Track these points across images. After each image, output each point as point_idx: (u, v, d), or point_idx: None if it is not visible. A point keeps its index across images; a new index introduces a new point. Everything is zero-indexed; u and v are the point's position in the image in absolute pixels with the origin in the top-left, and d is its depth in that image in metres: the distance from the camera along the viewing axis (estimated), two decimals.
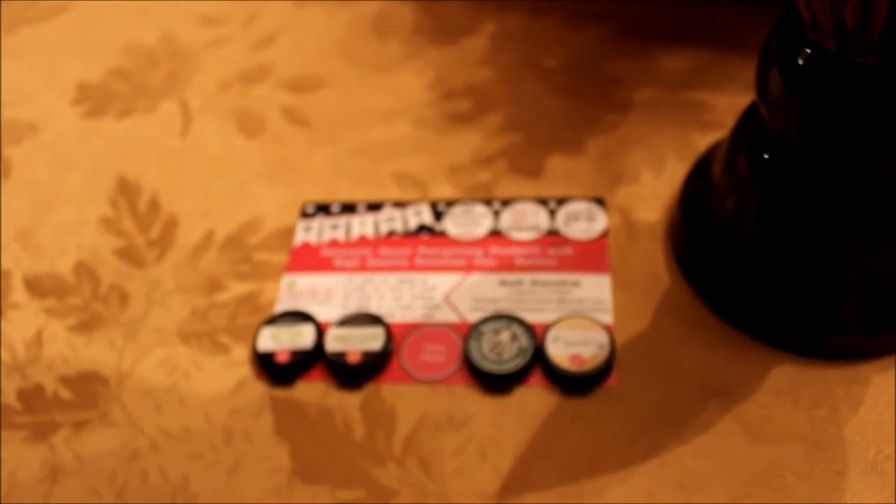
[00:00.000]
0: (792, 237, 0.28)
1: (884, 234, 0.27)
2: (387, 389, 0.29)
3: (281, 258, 0.34)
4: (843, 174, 0.26)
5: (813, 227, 0.27)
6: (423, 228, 0.34)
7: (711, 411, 0.28)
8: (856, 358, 0.29)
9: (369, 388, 0.30)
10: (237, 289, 0.33)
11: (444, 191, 0.36)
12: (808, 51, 0.25)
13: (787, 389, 0.28)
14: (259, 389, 0.30)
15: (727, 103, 0.37)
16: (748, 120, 0.30)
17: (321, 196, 0.36)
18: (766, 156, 0.28)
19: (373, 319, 0.31)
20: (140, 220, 0.36)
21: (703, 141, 0.36)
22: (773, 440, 0.27)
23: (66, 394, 0.31)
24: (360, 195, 0.36)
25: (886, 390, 0.28)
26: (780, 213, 0.28)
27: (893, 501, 0.26)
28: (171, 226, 0.36)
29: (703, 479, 0.26)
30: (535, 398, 0.29)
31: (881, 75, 0.23)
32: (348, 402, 0.29)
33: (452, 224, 0.34)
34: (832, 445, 0.27)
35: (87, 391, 0.31)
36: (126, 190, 0.38)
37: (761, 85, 0.27)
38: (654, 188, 0.34)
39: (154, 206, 0.37)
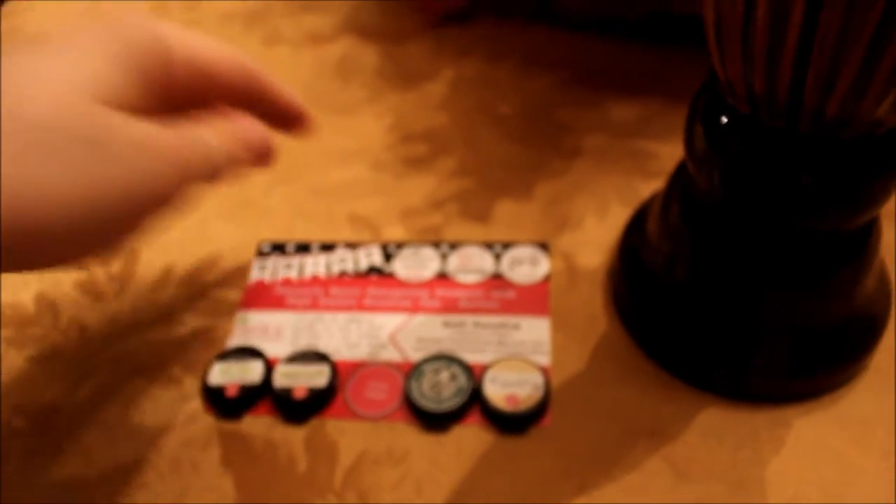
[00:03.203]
0: (720, 285, 0.29)
1: (803, 284, 0.28)
2: (331, 425, 0.31)
3: (236, 295, 0.35)
4: (763, 226, 0.27)
5: (738, 275, 0.29)
6: (373, 269, 0.35)
7: (641, 451, 0.29)
8: (780, 401, 0.30)
9: (314, 424, 0.31)
10: (192, 323, 0.34)
11: (395, 233, 0.37)
12: (727, 113, 0.26)
13: (714, 430, 0.29)
14: (208, 422, 0.31)
15: (671, 153, 0.39)
16: (681, 173, 0.31)
17: (278, 235, 0.37)
18: (695, 208, 0.30)
19: (319, 357, 0.32)
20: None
21: (647, 188, 0.37)
22: (697, 479, 0.28)
23: (19, 422, 0.32)
24: (316, 235, 0.37)
25: (808, 433, 0.29)
26: (708, 262, 0.30)
27: None
28: (131, 260, 0.37)
29: None
30: (471, 436, 0.30)
31: (789, 137, 0.25)
32: (293, 436, 0.30)
33: (401, 266, 0.35)
34: (753, 485, 0.28)
35: (41, 420, 0.32)
36: None
37: (688, 141, 0.28)
38: (597, 233, 0.36)
39: None
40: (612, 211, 0.37)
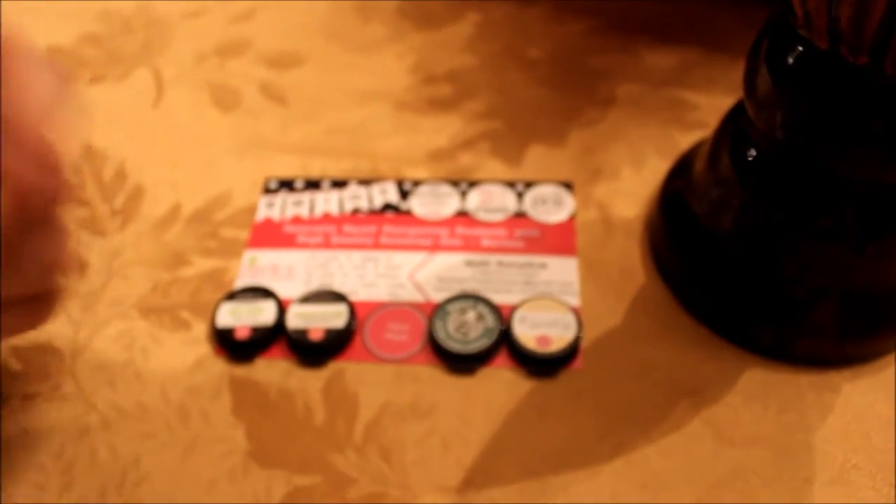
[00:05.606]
0: (770, 238, 0.28)
1: (862, 241, 0.26)
2: (350, 372, 0.29)
3: (246, 234, 0.33)
4: (824, 177, 0.26)
5: (791, 229, 0.27)
6: (388, 207, 0.34)
7: (680, 411, 0.27)
8: (827, 365, 0.28)
9: (332, 372, 0.29)
10: (202, 265, 0.32)
11: (419, 174, 0.35)
12: (799, 48, 0.24)
13: (758, 393, 0.28)
14: (218, 368, 0.29)
15: (711, 104, 0.37)
16: (733, 118, 0.29)
17: (292, 173, 0.35)
18: (748, 155, 0.28)
19: (336, 297, 0.30)
20: (104, 188, 0.35)
21: (685, 140, 0.35)
22: (740, 444, 0.27)
23: (16, 364, 0.30)
24: (333, 175, 0.35)
25: (856, 399, 0.28)
26: (758, 214, 0.28)
27: None
28: (136, 196, 0.35)
29: (668, 480, 0.26)
30: (499, 382, 0.28)
31: (871, 76, 0.23)
32: (310, 385, 0.28)
33: (418, 203, 0.34)
34: (800, 452, 0.26)
35: (39, 363, 0.30)
36: (91, 157, 0.36)
37: (749, 82, 0.26)
38: (634, 184, 0.34)
39: (120, 175, 0.35)
40: (648, 162, 0.35)
